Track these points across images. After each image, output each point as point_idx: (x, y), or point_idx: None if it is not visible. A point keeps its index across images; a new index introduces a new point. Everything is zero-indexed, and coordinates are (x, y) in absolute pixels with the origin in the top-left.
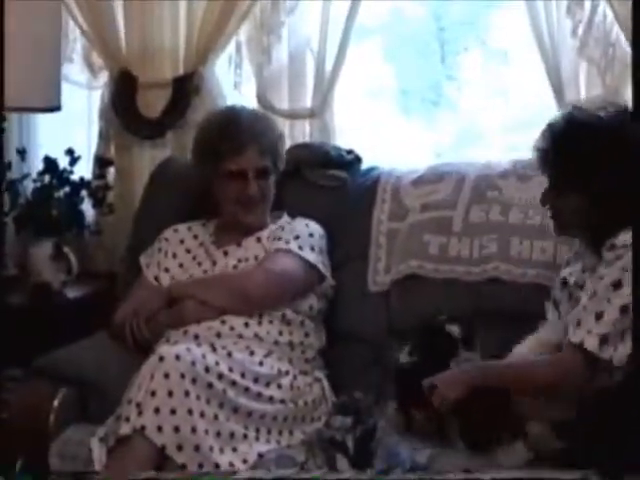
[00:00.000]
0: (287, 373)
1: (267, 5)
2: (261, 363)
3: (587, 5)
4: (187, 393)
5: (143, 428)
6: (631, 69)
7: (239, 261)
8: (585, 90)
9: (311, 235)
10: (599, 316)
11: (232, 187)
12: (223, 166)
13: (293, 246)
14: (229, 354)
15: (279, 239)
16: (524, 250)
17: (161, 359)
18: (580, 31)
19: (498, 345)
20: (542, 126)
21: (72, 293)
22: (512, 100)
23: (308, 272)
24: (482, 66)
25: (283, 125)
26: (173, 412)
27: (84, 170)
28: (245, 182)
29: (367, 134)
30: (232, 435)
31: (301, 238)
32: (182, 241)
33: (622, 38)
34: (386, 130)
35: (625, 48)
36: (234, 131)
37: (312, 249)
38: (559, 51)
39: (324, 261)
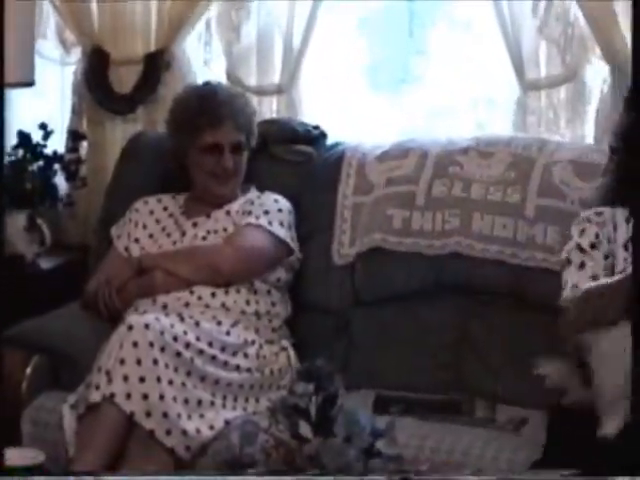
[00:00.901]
0: (253, 342)
1: None
2: (228, 332)
3: None
4: (155, 361)
5: (112, 395)
6: (631, 70)
7: (208, 232)
8: (545, 69)
9: (280, 210)
10: None
11: (208, 159)
12: (200, 139)
13: (263, 221)
14: (197, 323)
15: (249, 213)
16: (485, 226)
17: (130, 328)
18: (540, 11)
19: (459, 317)
20: (506, 103)
21: (45, 264)
22: (479, 76)
23: (277, 247)
24: (449, 41)
25: (253, 101)
26: (142, 380)
27: (57, 144)
28: (221, 155)
29: (335, 110)
30: (199, 402)
31: (270, 213)
32: (152, 212)
33: (580, 17)
34: (354, 106)
35: (583, 27)
36: (213, 106)
37: (281, 224)
38: (520, 30)
39: (292, 236)
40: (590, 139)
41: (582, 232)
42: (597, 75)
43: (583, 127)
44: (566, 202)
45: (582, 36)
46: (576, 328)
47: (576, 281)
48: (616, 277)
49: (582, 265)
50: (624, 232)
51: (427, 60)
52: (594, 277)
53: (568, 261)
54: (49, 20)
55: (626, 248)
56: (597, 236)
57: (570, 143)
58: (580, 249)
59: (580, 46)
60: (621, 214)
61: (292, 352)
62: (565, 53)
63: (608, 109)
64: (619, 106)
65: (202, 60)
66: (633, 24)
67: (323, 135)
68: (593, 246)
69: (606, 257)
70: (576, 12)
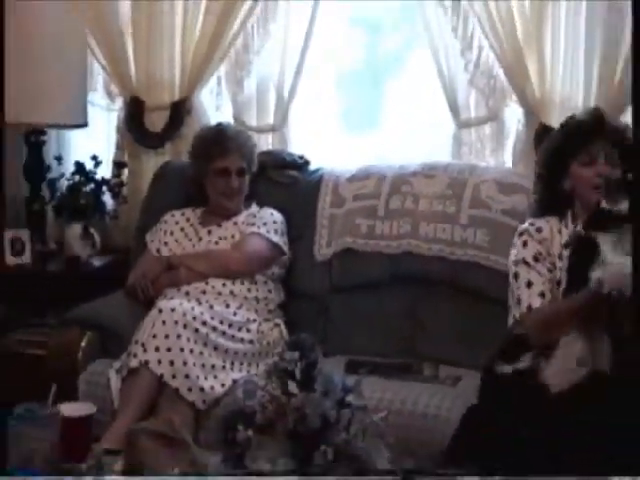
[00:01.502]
0: (254, 320)
1: (240, 49)
2: (235, 313)
3: (475, 50)
4: (179, 336)
5: (147, 362)
6: (632, 70)
7: (219, 238)
8: (474, 111)
9: (275, 222)
10: None
11: (219, 181)
12: (213, 165)
13: (262, 230)
14: (211, 306)
15: (252, 224)
16: (430, 230)
17: (160, 311)
18: (470, 67)
19: (411, 301)
20: (445, 137)
21: (96, 262)
22: (424, 117)
23: (272, 250)
24: (403, 92)
25: (254, 137)
26: (169, 350)
27: (105, 171)
28: (229, 178)
29: (316, 144)
30: (213, 366)
31: (268, 224)
32: (177, 222)
33: (501, 73)
34: (330, 141)
35: (503, 80)
36: (223, 140)
37: (276, 232)
38: (455, 83)
39: (284, 241)
40: (509, 164)
41: (524, 244)
42: (513, 116)
43: (503, 155)
44: (491, 212)
45: (502, 87)
46: (534, 341)
47: (528, 301)
48: (564, 301)
49: (529, 284)
50: (558, 243)
51: (387, 106)
52: (542, 294)
53: (516, 274)
54: (98, 77)
55: (560, 257)
56: (539, 252)
57: (493, 167)
58: (526, 263)
59: (500, 94)
60: (554, 225)
61: (284, 328)
62: (489, 99)
63: (522, 142)
64: (530, 139)
65: (214, 107)
66: (633, 24)
67: (306, 163)
68: (536, 259)
69: (550, 270)
70: (497, 69)
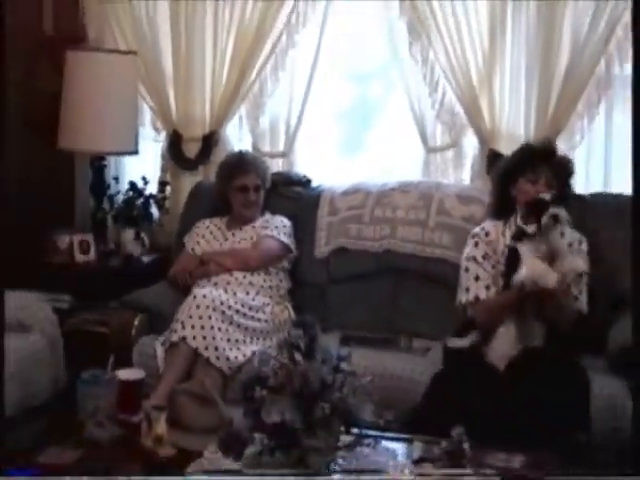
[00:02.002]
0: (268, 304)
1: (257, 92)
2: (253, 299)
3: (440, 92)
4: (210, 317)
5: (185, 338)
6: (632, 70)
7: (241, 239)
8: (440, 140)
9: (284, 226)
10: None
11: (240, 195)
12: (235, 183)
13: (275, 233)
14: (234, 293)
15: (266, 228)
16: (405, 233)
17: (195, 297)
18: (437, 105)
19: (391, 288)
20: (417, 161)
21: (145, 259)
22: (401, 145)
23: (283, 249)
24: (386, 125)
25: (267, 161)
26: (202, 328)
27: (152, 188)
28: (247, 193)
29: (317, 166)
30: (236, 341)
31: (279, 228)
32: (207, 227)
33: (461, 111)
34: (328, 164)
35: (462, 116)
36: (242, 163)
37: (285, 234)
38: (425, 118)
39: (292, 241)
40: (467, 181)
41: (476, 245)
42: (470, 144)
43: (462, 174)
44: (453, 219)
45: (461, 121)
46: (479, 325)
47: (475, 292)
48: (503, 294)
49: (477, 278)
50: (502, 243)
51: (373, 137)
52: (487, 287)
53: (467, 268)
54: (147, 115)
55: (504, 254)
56: (487, 252)
57: (454, 184)
58: (475, 260)
59: (460, 127)
60: (500, 228)
61: (291, 310)
62: (451, 131)
63: (477, 164)
64: (483, 162)
65: (237, 138)
66: (633, 24)
67: (309, 181)
68: (484, 258)
69: (494, 266)
70: (457, 107)
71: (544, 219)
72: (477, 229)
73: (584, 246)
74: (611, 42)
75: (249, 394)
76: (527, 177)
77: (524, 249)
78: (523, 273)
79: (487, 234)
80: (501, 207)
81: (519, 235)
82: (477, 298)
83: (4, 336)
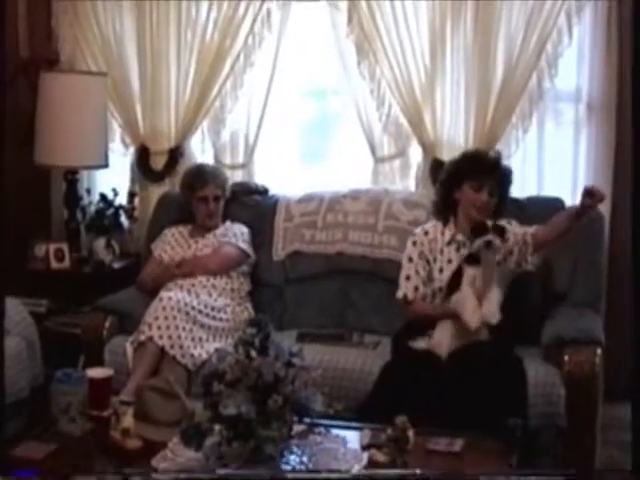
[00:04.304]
0: (229, 305)
1: (218, 108)
2: (215, 300)
3: (386, 106)
4: (175, 318)
5: (152, 337)
6: (631, 70)
7: (203, 246)
8: (387, 150)
9: (242, 233)
10: None
11: (201, 205)
12: (196, 194)
13: (234, 240)
14: (198, 295)
15: (226, 236)
16: (356, 237)
17: (161, 299)
18: (383, 118)
19: (343, 287)
20: (366, 169)
21: (116, 265)
22: (353, 155)
23: (242, 254)
24: (342, 137)
25: (227, 172)
26: (168, 328)
27: (122, 199)
28: (208, 203)
29: (273, 177)
30: (200, 339)
31: (237, 235)
32: (173, 235)
33: (405, 122)
34: (284, 175)
35: (407, 127)
36: (202, 175)
37: (244, 241)
38: (373, 130)
39: (250, 247)
40: (412, 188)
41: (414, 244)
42: (415, 153)
43: (408, 182)
44: (399, 222)
45: (406, 132)
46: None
47: (404, 291)
48: (438, 307)
49: (408, 277)
50: (441, 242)
51: (332, 147)
52: (416, 288)
53: (402, 267)
54: (116, 130)
55: (442, 253)
56: (422, 251)
57: (401, 190)
58: (410, 259)
59: (405, 137)
60: (439, 228)
61: (251, 310)
62: (397, 141)
63: (421, 172)
64: (427, 170)
65: (200, 150)
66: (633, 24)
67: (266, 190)
68: (420, 257)
69: (428, 262)
70: (402, 119)
71: (478, 241)
72: (417, 229)
73: (529, 238)
74: (542, 58)
75: (208, 389)
76: (472, 184)
77: (469, 272)
78: (457, 298)
79: (426, 233)
80: (443, 208)
81: (469, 259)
82: (405, 296)
83: (4, 337)
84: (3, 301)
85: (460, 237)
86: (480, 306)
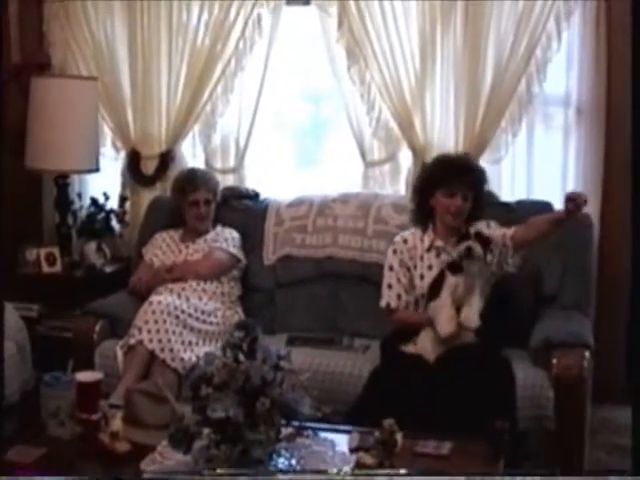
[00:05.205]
0: (220, 309)
1: (209, 113)
2: (205, 304)
3: (376, 110)
4: (165, 321)
5: (142, 341)
6: (631, 71)
7: (194, 251)
8: (377, 154)
9: (233, 238)
10: None
11: (192, 209)
12: (187, 198)
13: (224, 245)
14: (188, 299)
15: (217, 241)
16: (346, 241)
17: (151, 303)
18: (373, 123)
19: (334, 291)
20: (356, 173)
21: (107, 269)
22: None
23: (232, 259)
24: (333, 142)
25: (218, 176)
26: (158, 331)
27: (113, 203)
28: (198, 207)
29: (264, 181)
30: (190, 343)
31: (228, 240)
32: (164, 239)
33: (395, 127)
34: (274, 179)
35: (397, 132)
36: (193, 179)
37: (234, 246)
38: (363, 135)
39: (241, 252)
40: (402, 192)
41: (394, 252)
42: (405, 157)
43: (398, 186)
44: (389, 226)
45: (396, 137)
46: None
47: (387, 300)
48: (418, 315)
49: (390, 286)
50: (420, 249)
51: (322, 151)
52: (399, 296)
53: (384, 275)
54: (107, 136)
55: (422, 259)
56: (402, 259)
57: (391, 195)
58: (391, 268)
59: (395, 142)
60: (418, 235)
61: (241, 314)
62: (387, 146)
63: (411, 176)
64: (417, 174)
65: (191, 155)
66: (633, 24)
67: (257, 195)
68: (400, 265)
69: (405, 275)
70: (392, 124)
71: (460, 247)
72: (397, 237)
73: (508, 240)
74: (531, 63)
75: (196, 392)
76: (444, 191)
77: (450, 281)
78: (434, 307)
79: (405, 241)
80: (421, 216)
81: (451, 267)
82: (388, 305)
83: (3, 339)
84: (3, 303)
85: (439, 243)
86: (458, 314)
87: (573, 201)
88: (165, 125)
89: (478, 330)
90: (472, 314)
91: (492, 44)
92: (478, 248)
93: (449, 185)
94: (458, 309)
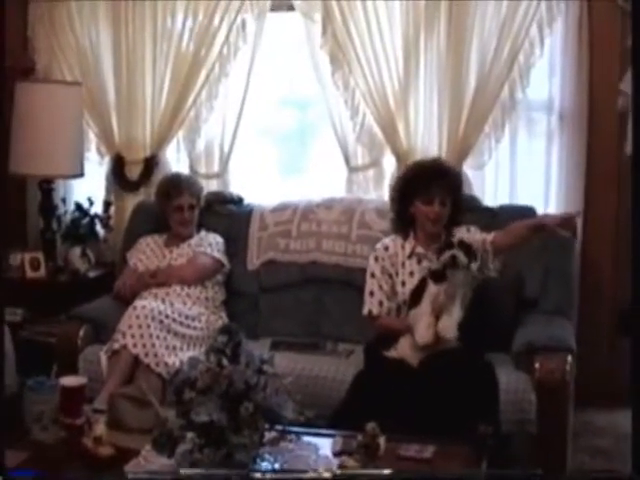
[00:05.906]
0: (204, 314)
1: (193, 118)
2: (190, 309)
3: (360, 115)
4: (149, 326)
5: (125, 346)
6: (632, 74)
7: (178, 256)
8: (361, 160)
9: (217, 243)
10: None
11: (176, 214)
12: (171, 203)
13: (209, 250)
14: (172, 304)
15: (201, 245)
16: (329, 246)
17: (135, 308)
18: (357, 128)
19: (317, 295)
20: (340, 179)
21: (91, 274)
22: (328, 165)
23: (216, 264)
24: (318, 147)
25: (202, 182)
26: (142, 336)
27: (97, 208)
28: (182, 212)
29: (247, 186)
30: (174, 347)
31: (212, 245)
32: (148, 244)
33: (379, 132)
34: (258, 184)
35: (381, 137)
36: (177, 184)
37: (218, 251)
38: (347, 140)
39: (225, 257)
40: (385, 197)
41: (376, 259)
42: (388, 162)
43: (382, 191)
44: (373, 231)
45: (380, 142)
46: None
47: (369, 307)
48: (399, 321)
49: (372, 293)
50: (401, 255)
51: (307, 156)
52: (380, 303)
53: (366, 282)
54: (92, 140)
55: (403, 266)
56: (384, 266)
57: (374, 199)
58: (373, 275)
59: (379, 147)
60: (399, 242)
61: (225, 318)
62: (371, 151)
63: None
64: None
65: (176, 160)
66: (633, 24)
67: (241, 200)
68: (382, 272)
69: (387, 282)
70: (376, 129)
71: (445, 255)
72: (378, 244)
73: (488, 245)
74: (514, 69)
75: (180, 396)
76: (421, 198)
77: (432, 289)
78: (414, 315)
79: (386, 248)
80: (401, 223)
81: (434, 275)
82: (370, 312)
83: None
84: (2, 306)
85: (420, 250)
86: (436, 322)
87: (568, 222)
88: (149, 130)
89: (460, 335)
90: (450, 324)
91: (475, 50)
92: (462, 257)
93: (426, 191)
94: (437, 317)
